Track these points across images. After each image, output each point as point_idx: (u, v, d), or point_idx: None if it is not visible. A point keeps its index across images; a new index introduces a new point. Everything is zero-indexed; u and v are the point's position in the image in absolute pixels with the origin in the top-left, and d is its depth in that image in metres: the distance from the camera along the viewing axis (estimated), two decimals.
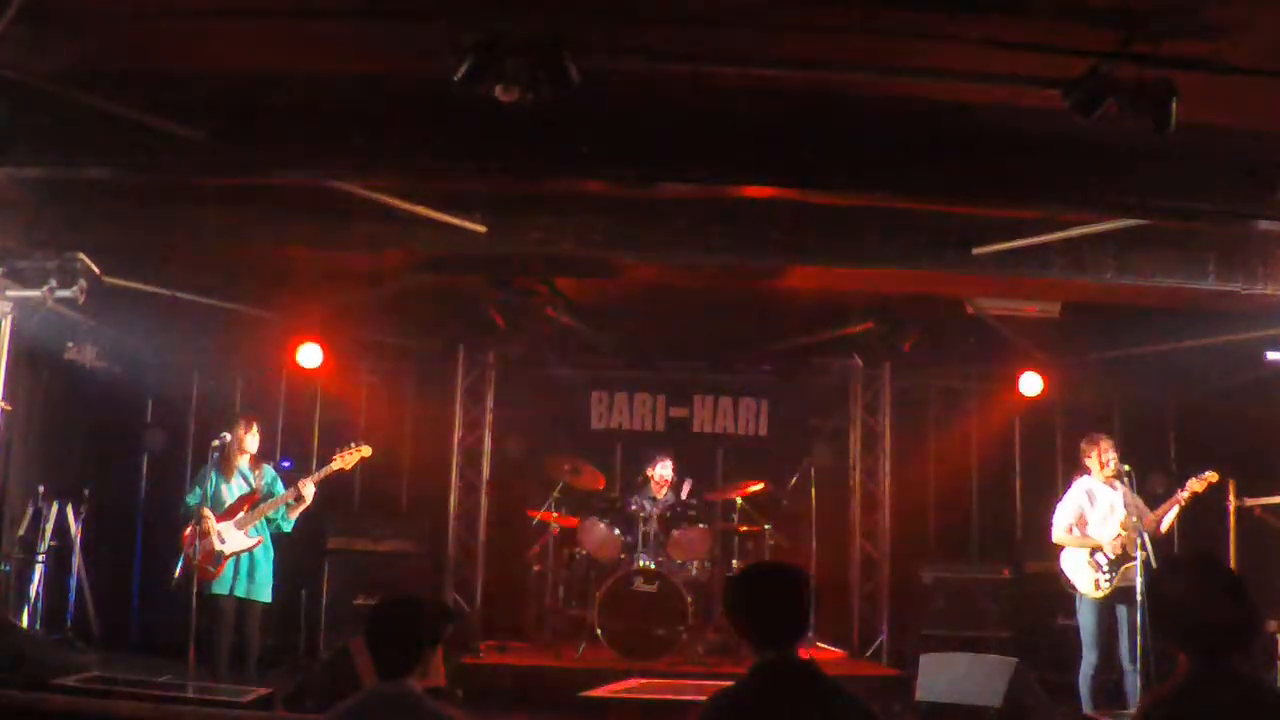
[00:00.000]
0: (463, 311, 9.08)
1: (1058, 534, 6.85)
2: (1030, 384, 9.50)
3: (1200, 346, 8.56)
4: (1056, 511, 6.92)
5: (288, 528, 6.81)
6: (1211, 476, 6.61)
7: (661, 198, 6.58)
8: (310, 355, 9.17)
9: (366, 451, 6.93)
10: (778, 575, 3.14)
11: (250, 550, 6.61)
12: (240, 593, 6.57)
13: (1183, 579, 2.69)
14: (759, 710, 2.83)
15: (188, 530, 6.55)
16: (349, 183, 6.20)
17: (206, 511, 6.51)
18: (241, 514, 6.62)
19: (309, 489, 6.68)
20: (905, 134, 5.65)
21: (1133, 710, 6.26)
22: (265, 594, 6.71)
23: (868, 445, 9.96)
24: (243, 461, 6.81)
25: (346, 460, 6.86)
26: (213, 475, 6.67)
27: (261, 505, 6.67)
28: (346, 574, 8.88)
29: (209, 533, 6.47)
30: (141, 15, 4.76)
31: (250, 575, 6.61)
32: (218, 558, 6.49)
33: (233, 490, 6.72)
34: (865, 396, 10.01)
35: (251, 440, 6.83)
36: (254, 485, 6.76)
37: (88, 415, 9.34)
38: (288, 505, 6.70)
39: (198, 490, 6.66)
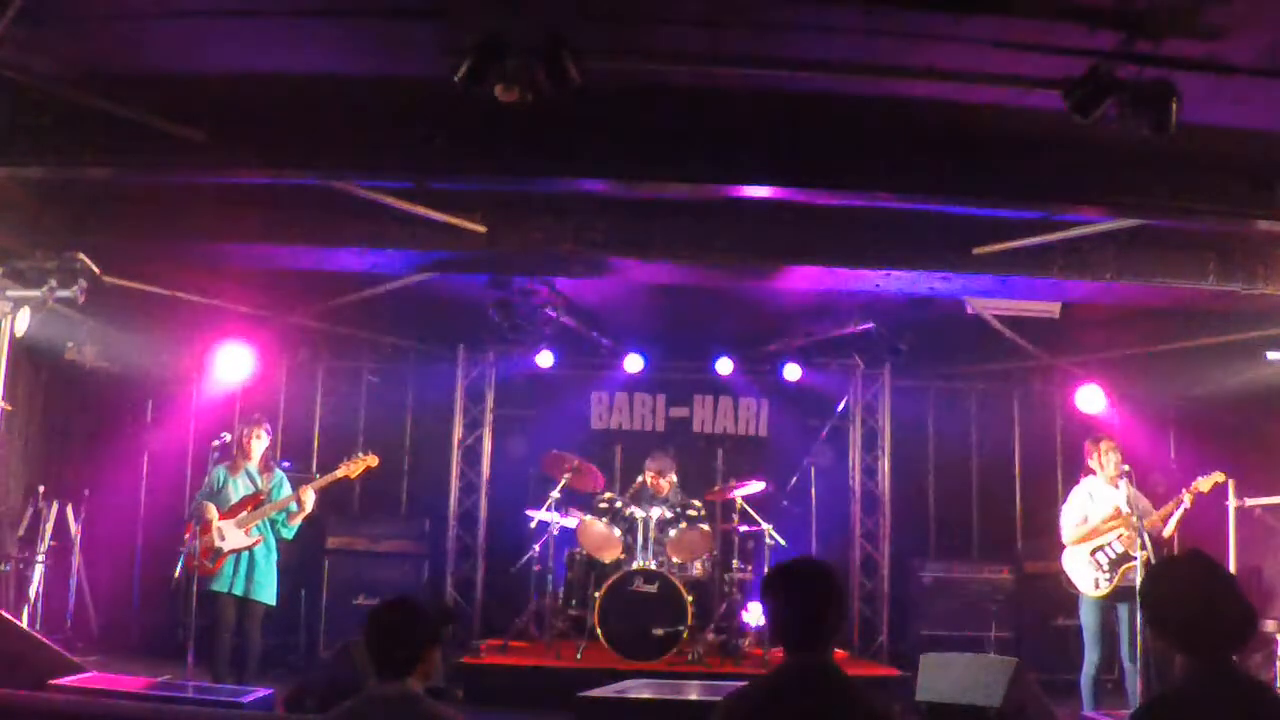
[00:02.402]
0: (463, 311, 9.07)
1: (1067, 535, 6.85)
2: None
3: (1200, 346, 8.56)
4: (1062, 515, 6.93)
5: (289, 535, 6.83)
6: (1218, 477, 6.61)
7: (661, 198, 6.57)
8: (309, 355, 9.16)
9: (373, 461, 6.97)
10: (795, 577, 2.93)
11: (250, 549, 6.61)
12: (239, 591, 6.57)
13: (1178, 578, 2.70)
14: (774, 711, 2.81)
15: (189, 526, 6.58)
16: (349, 183, 6.20)
17: (210, 505, 6.53)
18: (244, 514, 6.64)
19: (309, 496, 6.70)
20: (905, 134, 5.65)
21: (1133, 709, 6.26)
22: (267, 595, 6.71)
23: (868, 445, 9.96)
24: (251, 463, 6.83)
25: (352, 469, 6.90)
26: (221, 473, 6.71)
27: (264, 506, 6.69)
28: (346, 574, 8.89)
29: (209, 528, 6.49)
30: (142, 16, 4.76)
31: (249, 575, 6.61)
32: (216, 554, 6.50)
33: (238, 489, 6.74)
34: (865, 396, 10.01)
35: (259, 444, 6.84)
36: (260, 487, 6.78)
37: (88, 415, 9.35)
38: (288, 511, 6.72)
39: (206, 489, 6.70)
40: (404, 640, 3.17)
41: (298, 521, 6.80)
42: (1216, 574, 2.68)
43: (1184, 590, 2.64)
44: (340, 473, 6.88)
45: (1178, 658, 2.62)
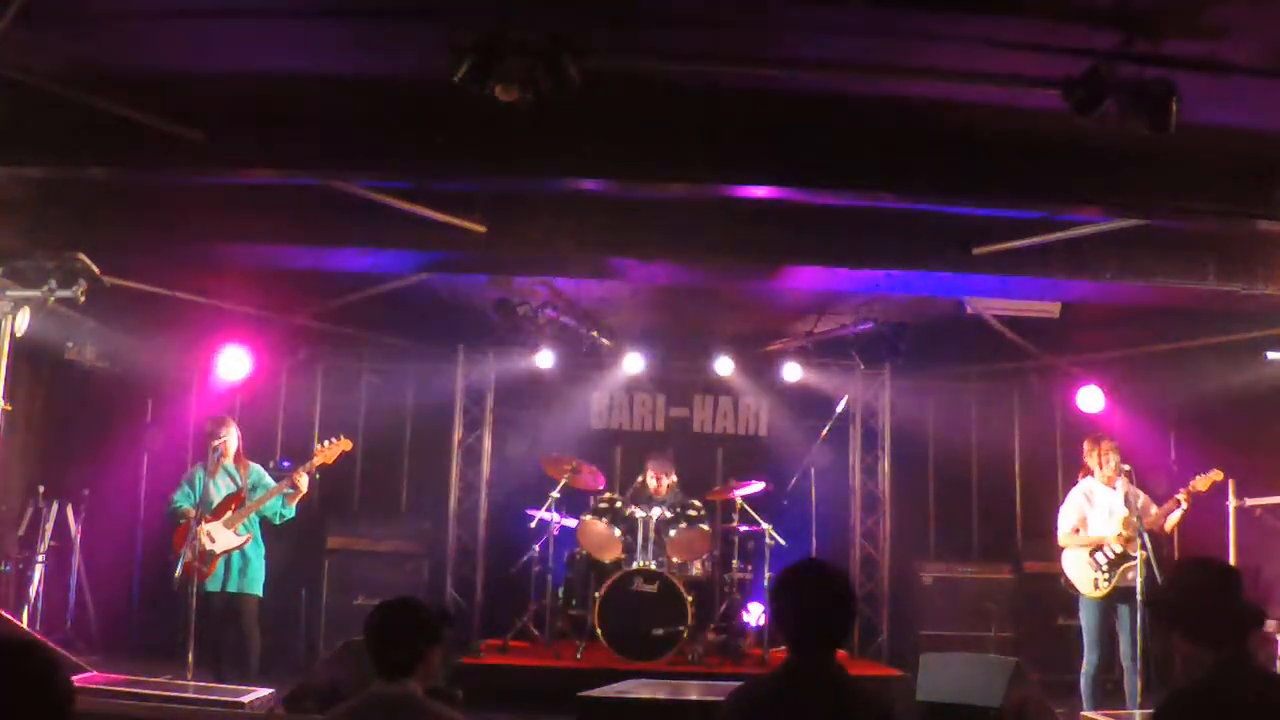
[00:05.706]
0: (463, 311, 9.08)
1: (1063, 537, 6.86)
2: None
3: (1200, 346, 8.56)
4: (1059, 515, 6.94)
5: (290, 513, 6.87)
6: (1216, 475, 6.63)
7: (661, 198, 6.57)
8: (309, 355, 9.16)
9: (347, 445, 6.97)
10: (813, 577, 2.98)
11: (240, 548, 6.64)
12: (232, 588, 6.60)
13: (1196, 575, 2.81)
14: (781, 711, 2.83)
15: (178, 531, 6.58)
16: (349, 183, 6.19)
17: (199, 512, 6.54)
18: (229, 513, 6.66)
19: (304, 480, 6.74)
20: (905, 134, 5.64)
21: (1132, 709, 6.28)
22: (257, 588, 6.74)
23: (868, 445, 9.96)
24: (227, 461, 6.83)
25: (328, 454, 6.91)
26: (199, 475, 6.70)
27: (249, 503, 6.71)
28: (346, 574, 8.89)
29: (200, 533, 6.49)
30: (141, 15, 4.76)
31: (242, 571, 6.65)
32: (209, 557, 6.52)
33: (220, 490, 6.75)
34: (865, 396, 10.01)
35: (231, 440, 6.85)
36: (239, 484, 6.79)
37: (88, 415, 9.34)
38: (285, 495, 6.74)
39: (187, 490, 6.70)
40: (405, 641, 3.18)
41: (297, 500, 6.84)
42: (1229, 569, 2.82)
43: (1206, 585, 2.73)
44: (317, 460, 6.89)
45: (1183, 657, 2.67)
